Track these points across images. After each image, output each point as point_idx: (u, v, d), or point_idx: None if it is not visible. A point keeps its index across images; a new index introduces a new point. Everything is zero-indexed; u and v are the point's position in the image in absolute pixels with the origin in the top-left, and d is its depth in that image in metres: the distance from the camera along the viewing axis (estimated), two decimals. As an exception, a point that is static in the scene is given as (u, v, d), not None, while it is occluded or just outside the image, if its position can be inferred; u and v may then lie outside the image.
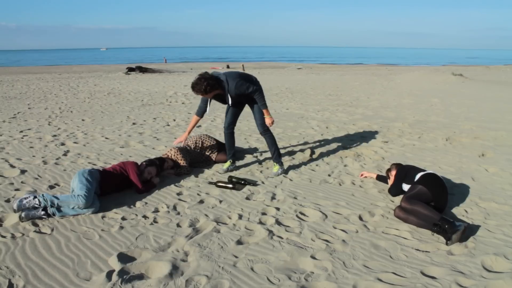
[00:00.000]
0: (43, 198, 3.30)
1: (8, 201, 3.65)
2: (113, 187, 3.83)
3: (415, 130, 6.80)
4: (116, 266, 2.59)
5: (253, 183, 4.16)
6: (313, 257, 2.72)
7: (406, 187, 3.58)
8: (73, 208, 3.32)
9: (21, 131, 6.68)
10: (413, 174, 3.56)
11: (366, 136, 6.38)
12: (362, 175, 4.41)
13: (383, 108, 9.32)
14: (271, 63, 43.16)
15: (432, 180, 3.40)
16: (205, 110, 4.33)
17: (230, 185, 4.02)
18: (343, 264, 2.64)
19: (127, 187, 3.96)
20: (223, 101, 4.31)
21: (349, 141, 6.08)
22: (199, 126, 7.24)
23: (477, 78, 18.41)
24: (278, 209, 3.54)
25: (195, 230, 3.13)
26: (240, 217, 3.37)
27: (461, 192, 3.94)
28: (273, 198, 3.82)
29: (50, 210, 3.28)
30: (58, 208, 3.30)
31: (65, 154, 5.26)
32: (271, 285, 2.42)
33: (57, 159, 5.03)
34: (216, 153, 4.95)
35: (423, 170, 3.60)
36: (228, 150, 4.65)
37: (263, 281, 2.46)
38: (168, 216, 3.40)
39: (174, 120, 7.87)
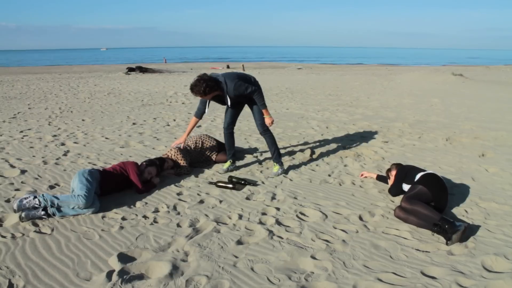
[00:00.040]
0: (43, 198, 3.30)
1: (8, 201, 3.65)
2: (113, 187, 3.83)
3: (415, 130, 6.80)
4: (116, 266, 2.59)
5: (253, 183, 4.16)
6: (313, 257, 2.72)
7: (406, 187, 3.58)
8: (73, 208, 3.32)
9: (21, 131, 6.68)
10: (413, 174, 3.56)
11: (366, 136, 6.38)
12: (362, 175, 4.41)
13: (383, 108, 9.32)
14: (271, 63, 43.16)
15: (432, 180, 3.40)
16: (204, 112, 4.34)
17: (230, 185, 4.02)
18: (343, 264, 2.64)
19: (127, 187, 3.96)
20: (222, 102, 4.31)
21: (349, 141, 6.08)
22: (199, 126, 7.24)
23: (477, 78, 18.41)
24: (278, 209, 3.54)
25: (195, 230, 3.13)
26: (240, 217, 3.37)
27: (461, 192, 3.94)
28: (273, 198, 3.82)
29: (50, 210, 3.28)
30: (58, 208, 3.30)
31: (65, 154, 5.26)
32: (271, 285, 2.42)
33: (57, 159, 5.04)
34: (216, 153, 4.95)
35: (423, 170, 3.60)
36: (228, 150, 4.65)
37: (263, 281, 2.46)
38: (168, 216, 3.40)
39: (174, 120, 7.87)
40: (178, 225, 3.22)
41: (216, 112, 8.56)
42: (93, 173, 3.64)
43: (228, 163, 4.64)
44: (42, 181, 4.23)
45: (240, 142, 5.96)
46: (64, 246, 2.86)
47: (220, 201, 3.72)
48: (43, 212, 3.26)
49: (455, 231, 2.86)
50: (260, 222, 3.27)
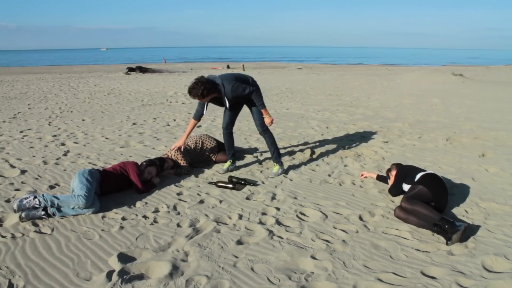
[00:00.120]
0: (43, 198, 3.30)
1: (8, 201, 3.65)
2: (113, 187, 3.83)
3: (415, 130, 6.80)
4: (116, 266, 2.59)
5: (253, 183, 4.16)
6: (313, 257, 2.72)
7: (406, 187, 3.58)
8: (73, 208, 3.32)
9: (21, 131, 6.68)
10: (413, 174, 3.56)
11: (366, 136, 6.38)
12: (362, 175, 4.41)
13: (383, 108, 9.32)
14: (271, 63, 43.16)
15: (432, 180, 3.40)
16: (202, 114, 4.35)
17: (230, 185, 4.02)
18: (343, 264, 2.64)
19: (127, 187, 3.96)
20: (221, 104, 4.31)
21: (349, 141, 6.08)
22: (199, 126, 7.25)
23: (477, 78, 18.41)
24: (278, 209, 3.54)
25: (195, 230, 3.13)
26: (240, 217, 3.37)
27: (461, 192, 3.94)
28: (273, 198, 3.82)
29: (50, 210, 3.28)
30: (58, 208, 3.30)
31: (65, 154, 5.26)
32: (271, 285, 2.42)
33: (57, 159, 5.04)
34: (216, 153, 4.95)
35: (423, 170, 3.60)
36: (228, 150, 4.65)
37: (263, 281, 2.46)
38: (168, 216, 3.40)
39: (174, 120, 7.87)
40: (178, 225, 3.22)
41: (216, 112, 8.56)
42: (93, 173, 3.64)
43: (228, 163, 4.64)
44: (42, 181, 4.23)
45: (240, 142, 5.96)
46: (64, 246, 2.86)
47: (220, 201, 3.72)
48: (43, 212, 3.26)
49: (455, 231, 2.86)
50: (260, 222, 3.27)
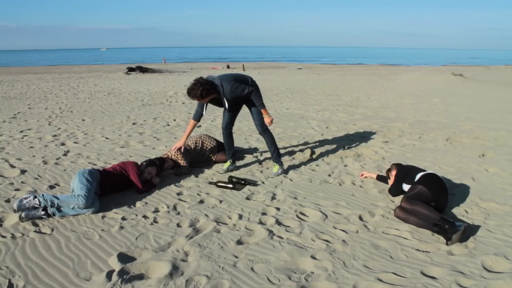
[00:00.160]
0: (43, 198, 3.30)
1: (8, 201, 3.65)
2: (113, 187, 3.83)
3: (415, 130, 6.80)
4: (116, 266, 2.59)
5: (253, 183, 4.16)
6: (313, 257, 2.72)
7: (406, 187, 3.58)
8: (73, 208, 3.32)
9: (21, 131, 6.68)
10: (413, 174, 3.56)
11: (366, 136, 6.38)
12: (362, 175, 4.41)
13: (383, 108, 9.32)
14: (271, 63, 43.16)
15: (432, 180, 3.40)
16: (202, 115, 4.35)
17: (230, 185, 4.02)
18: (343, 264, 2.64)
19: (127, 187, 3.96)
20: (220, 104, 4.31)
21: (349, 141, 6.08)
22: (199, 126, 7.25)
23: (477, 78, 18.41)
24: (278, 209, 3.54)
25: (195, 230, 3.13)
26: (240, 217, 3.37)
27: (461, 192, 3.94)
28: (273, 198, 3.82)
29: (50, 210, 3.28)
30: (58, 208, 3.30)
31: (65, 154, 5.26)
32: (271, 285, 2.42)
33: (57, 159, 5.04)
34: (216, 153, 4.95)
35: (423, 170, 3.60)
36: (228, 150, 4.65)
37: (263, 281, 2.46)
38: (168, 216, 3.40)
39: (174, 120, 7.87)
40: (178, 225, 3.22)
41: (216, 112, 8.56)
42: (93, 173, 3.64)
43: (228, 163, 4.64)
44: (42, 181, 4.23)
45: (240, 142, 5.96)
46: (64, 246, 2.86)
47: (220, 201, 3.72)
48: (43, 212, 3.26)
49: (455, 231, 2.86)
50: (260, 222, 3.27)
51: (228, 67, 30.09)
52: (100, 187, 3.65)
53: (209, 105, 4.39)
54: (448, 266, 2.60)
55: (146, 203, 3.69)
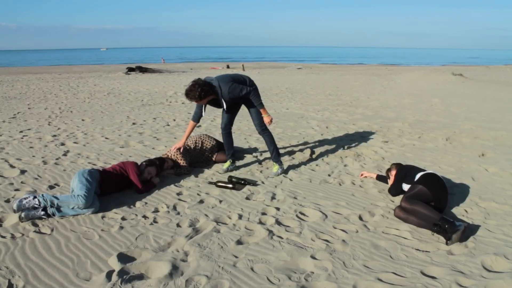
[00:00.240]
0: (43, 198, 3.30)
1: (8, 201, 3.65)
2: (113, 187, 3.83)
3: (415, 130, 6.80)
4: (116, 266, 2.58)
5: (253, 183, 4.16)
6: (313, 257, 2.71)
7: (406, 187, 3.58)
8: (73, 208, 3.32)
9: (21, 131, 6.68)
10: (413, 174, 3.56)
11: (366, 136, 6.38)
12: (362, 175, 4.41)
13: (383, 108, 9.31)
14: (271, 63, 43.16)
15: (432, 180, 3.40)
16: (201, 115, 4.35)
17: (230, 185, 4.02)
18: (343, 264, 2.64)
19: (127, 187, 3.95)
20: (218, 105, 4.31)
21: (349, 141, 6.08)
22: (199, 126, 7.24)
23: (477, 78, 18.41)
24: (278, 209, 3.54)
25: (195, 230, 3.13)
26: (240, 217, 3.37)
27: (461, 192, 3.94)
28: (273, 198, 3.82)
29: (50, 210, 3.28)
30: (58, 208, 3.30)
31: (65, 154, 5.26)
32: (271, 285, 2.41)
33: (57, 159, 5.03)
34: (216, 153, 4.95)
35: (423, 170, 3.60)
36: (227, 150, 4.65)
37: (263, 281, 2.45)
38: (168, 216, 3.40)
39: (174, 120, 7.87)
40: (178, 225, 3.22)
41: (216, 112, 8.55)
42: (93, 173, 3.64)
43: (228, 163, 4.64)
44: (42, 181, 4.23)
45: (240, 142, 5.96)
46: (64, 246, 2.86)
47: (220, 201, 3.72)
48: (42, 212, 3.26)
49: (455, 230, 2.86)
50: (260, 222, 3.27)
51: (228, 67, 30.09)
52: (99, 187, 3.64)
53: (208, 106, 4.39)
54: (448, 266, 2.60)
55: (146, 203, 3.69)
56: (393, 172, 3.81)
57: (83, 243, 2.92)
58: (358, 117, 8.11)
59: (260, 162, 4.98)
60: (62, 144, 5.84)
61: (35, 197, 3.30)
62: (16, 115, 8.33)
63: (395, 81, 16.88)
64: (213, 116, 8.17)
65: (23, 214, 3.21)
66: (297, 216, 3.40)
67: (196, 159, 4.85)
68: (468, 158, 5.15)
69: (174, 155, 4.57)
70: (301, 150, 5.47)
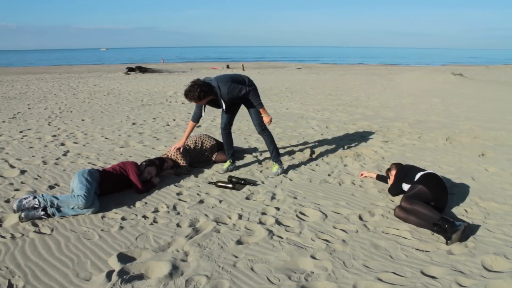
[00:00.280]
0: (43, 198, 3.30)
1: (8, 201, 3.65)
2: (113, 187, 3.83)
3: (415, 130, 6.80)
4: (116, 266, 2.58)
5: (253, 183, 4.16)
6: (313, 257, 2.71)
7: (406, 186, 3.58)
8: (73, 208, 3.32)
9: (21, 131, 6.68)
10: (413, 173, 3.56)
11: (366, 136, 6.38)
12: (362, 175, 4.41)
13: (383, 108, 9.31)
14: (271, 63, 43.16)
15: (432, 179, 3.40)
16: (201, 116, 4.36)
17: (230, 185, 4.02)
18: (343, 264, 2.64)
19: (127, 187, 3.95)
20: (217, 106, 4.31)
21: (349, 140, 6.08)
22: (199, 126, 7.24)
23: (477, 78, 18.41)
24: (278, 209, 3.54)
25: (195, 230, 3.13)
26: (240, 217, 3.37)
27: (461, 191, 3.94)
28: (273, 198, 3.82)
29: (49, 210, 3.28)
30: (58, 208, 3.30)
31: (65, 154, 5.26)
32: (271, 285, 2.41)
33: (57, 159, 5.03)
34: (216, 153, 4.95)
35: (423, 170, 3.60)
36: (227, 150, 4.65)
37: (263, 281, 2.45)
38: (168, 216, 3.40)
39: (174, 120, 7.87)
40: (178, 225, 3.22)
41: (216, 112, 8.55)
42: (93, 173, 3.64)
43: (227, 163, 4.64)
44: (41, 181, 4.23)
45: (239, 142, 5.96)
46: (64, 246, 2.86)
47: (220, 201, 3.72)
48: (42, 212, 3.26)
49: (455, 230, 2.86)
50: (260, 222, 3.27)
51: (227, 67, 30.09)
52: (99, 187, 3.64)
53: (207, 107, 4.39)
54: (448, 266, 2.60)
55: (145, 203, 3.69)
56: (393, 172, 3.81)
57: (83, 243, 2.91)
58: (358, 117, 8.11)
59: (260, 162, 4.98)
60: (62, 144, 5.84)
61: (35, 197, 3.30)
62: (16, 115, 8.33)
63: (395, 81, 16.89)
64: (213, 116, 8.17)
65: (23, 214, 3.21)
66: (297, 216, 3.40)
67: (196, 159, 4.85)
68: (468, 158, 5.15)
69: (174, 155, 4.57)
70: (301, 150, 5.47)
